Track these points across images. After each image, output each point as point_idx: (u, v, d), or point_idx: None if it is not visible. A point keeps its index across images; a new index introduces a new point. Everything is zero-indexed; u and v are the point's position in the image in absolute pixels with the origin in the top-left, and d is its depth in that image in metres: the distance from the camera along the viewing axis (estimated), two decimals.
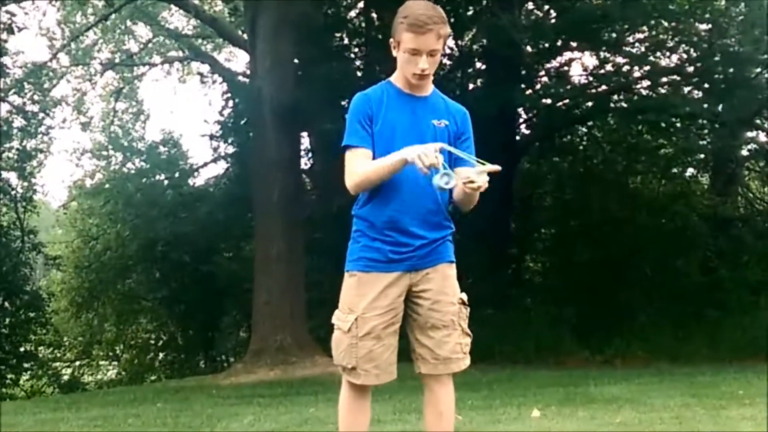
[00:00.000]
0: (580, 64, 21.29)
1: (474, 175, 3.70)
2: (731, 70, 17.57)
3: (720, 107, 19.13)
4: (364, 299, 3.89)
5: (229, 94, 23.93)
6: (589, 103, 20.65)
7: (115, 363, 28.45)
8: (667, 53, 19.38)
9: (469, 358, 4.05)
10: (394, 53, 3.92)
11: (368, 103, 3.91)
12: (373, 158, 3.86)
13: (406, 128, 3.86)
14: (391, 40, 3.91)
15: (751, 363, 13.98)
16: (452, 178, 3.70)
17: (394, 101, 3.92)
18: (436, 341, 3.92)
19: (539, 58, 20.11)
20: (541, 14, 20.24)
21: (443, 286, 3.94)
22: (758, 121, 20.62)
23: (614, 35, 18.69)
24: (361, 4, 20.06)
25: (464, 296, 4.03)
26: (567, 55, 20.63)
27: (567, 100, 20.58)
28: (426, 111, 3.92)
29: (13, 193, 23.68)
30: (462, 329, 3.99)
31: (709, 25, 17.82)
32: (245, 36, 19.50)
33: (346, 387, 4.01)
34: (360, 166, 3.84)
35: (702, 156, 22.86)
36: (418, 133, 3.85)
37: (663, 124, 19.99)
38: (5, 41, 21.40)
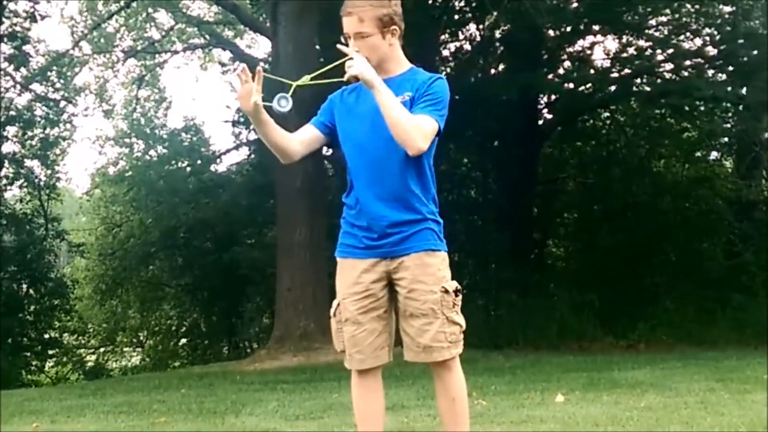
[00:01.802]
0: (602, 48, 21.20)
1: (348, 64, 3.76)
2: (755, 52, 17.41)
3: (744, 90, 18.99)
4: (343, 285, 3.98)
5: None
6: (612, 87, 20.56)
7: (139, 349, 28.66)
8: (691, 36, 19.25)
9: (460, 347, 3.96)
10: None
11: (339, 94, 4.11)
12: (346, 153, 4.00)
13: (362, 111, 3.91)
14: None
15: None
16: (288, 100, 3.86)
17: (359, 90, 3.97)
18: (416, 329, 3.90)
19: (561, 42, 20.06)
20: None
21: (419, 275, 3.88)
22: None
23: (637, 18, 18.58)
24: None
25: (452, 284, 3.94)
26: (589, 38, 20.56)
27: (589, 85, 20.51)
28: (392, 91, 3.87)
29: (36, 180, 23.80)
30: (446, 317, 3.90)
31: (733, 7, 17.67)
32: (267, 22, 19.47)
33: (353, 372, 4.06)
34: None
35: (726, 139, 22.72)
36: (373, 114, 3.82)
37: (686, 108, 19.88)
38: (28, 29, 21.53)
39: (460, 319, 3.96)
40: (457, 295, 3.95)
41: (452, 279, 3.97)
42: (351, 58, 3.76)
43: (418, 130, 3.73)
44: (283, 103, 3.80)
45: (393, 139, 3.75)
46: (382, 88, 3.73)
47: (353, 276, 3.93)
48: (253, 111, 3.82)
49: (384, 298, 3.95)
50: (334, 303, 4.01)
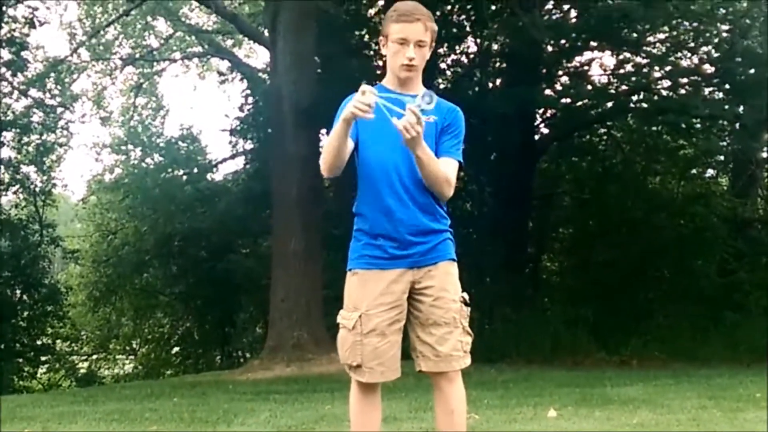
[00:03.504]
0: (599, 64, 21.23)
1: (404, 125, 3.66)
2: (752, 71, 17.43)
3: (740, 108, 19.03)
4: (368, 297, 3.93)
5: (248, 91, 23.95)
6: (609, 103, 20.56)
7: (132, 357, 28.62)
8: (688, 54, 19.26)
9: (470, 357, 4.04)
10: (383, 51, 4.01)
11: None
12: (361, 164, 3.97)
13: (392, 129, 3.82)
14: (380, 38, 4.01)
15: None
16: (433, 97, 3.73)
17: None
18: (438, 338, 3.93)
19: (559, 58, 20.05)
20: (561, 13, 20.16)
21: (445, 283, 3.95)
22: None
23: (635, 35, 18.60)
24: (381, 2, 20.03)
25: (465, 295, 4.04)
26: (587, 54, 20.57)
27: (586, 100, 20.52)
28: None
29: (32, 186, 23.80)
30: (463, 327, 4.00)
31: (731, 26, 17.71)
32: (266, 33, 19.51)
33: (354, 385, 4.05)
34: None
35: (722, 157, 22.75)
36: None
37: (683, 125, 19.91)
38: (27, 35, 21.55)
39: (469, 329, 4.04)
40: (467, 306, 4.04)
41: None
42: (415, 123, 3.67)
43: (448, 183, 3.90)
44: (427, 100, 3.72)
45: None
46: (423, 151, 3.77)
47: (380, 287, 3.91)
48: (352, 120, 3.74)
49: (405, 310, 3.97)
50: (352, 316, 3.96)
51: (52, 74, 23.74)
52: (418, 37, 3.88)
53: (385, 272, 3.92)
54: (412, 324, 4.00)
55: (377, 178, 3.92)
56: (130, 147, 28.14)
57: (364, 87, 3.66)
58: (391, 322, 3.91)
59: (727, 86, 18.53)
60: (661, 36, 19.39)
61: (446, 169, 3.89)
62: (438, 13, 20.05)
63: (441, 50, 20.68)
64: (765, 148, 21.69)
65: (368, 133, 3.92)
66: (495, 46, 20.93)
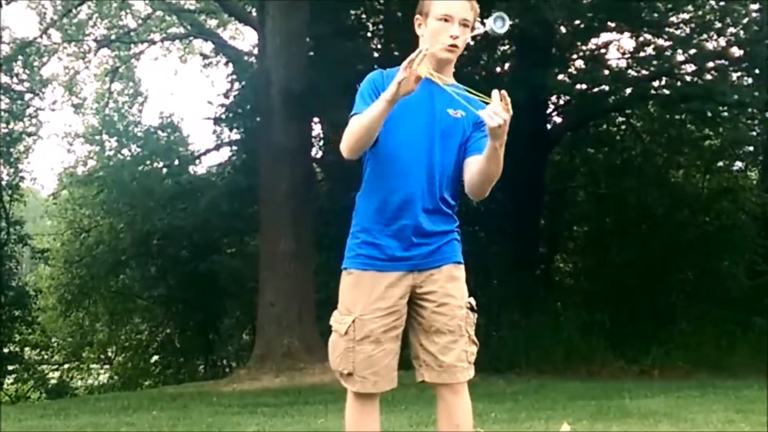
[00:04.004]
0: (617, 47, 21.23)
1: (488, 113, 3.57)
2: None
3: None
4: (362, 300, 3.90)
5: (234, 76, 23.95)
6: (628, 90, 20.56)
7: (107, 366, 28.61)
8: (714, 35, 19.26)
9: (474, 368, 4.03)
10: (419, 31, 3.94)
11: (383, 79, 3.89)
12: (379, 139, 3.81)
13: (420, 112, 3.85)
14: (417, 16, 3.93)
15: None
16: (505, 20, 3.67)
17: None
18: (441, 347, 3.92)
19: (573, 40, 20.06)
20: None
21: (449, 288, 3.93)
22: None
23: (656, 15, 18.61)
24: None
25: (472, 301, 4.02)
26: (604, 36, 20.58)
27: (603, 86, 20.52)
28: (444, 99, 3.90)
29: None
30: (468, 336, 3.99)
31: (761, 5, 17.73)
32: (253, 12, 19.50)
33: (350, 395, 4.03)
34: (354, 119, 3.81)
35: (751, 148, 22.72)
36: (431, 118, 3.87)
37: (708, 113, 19.89)
38: None
39: (475, 338, 4.04)
40: (474, 312, 4.03)
41: None
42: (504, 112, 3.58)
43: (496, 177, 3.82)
44: (499, 24, 3.67)
45: (451, 143, 3.84)
46: (503, 146, 3.68)
47: (376, 291, 3.89)
48: (398, 95, 3.60)
49: (405, 315, 3.95)
50: (345, 320, 3.94)
51: (20, 57, 23.69)
52: (464, 15, 3.84)
53: (383, 274, 3.89)
54: (414, 330, 3.98)
55: (394, 167, 3.87)
56: (105, 137, 28.12)
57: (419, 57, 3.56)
58: (386, 329, 3.89)
59: (757, 71, 18.52)
60: (685, 16, 19.40)
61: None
62: None
63: None
64: None
65: (399, 117, 3.81)
66: None
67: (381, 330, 3.88)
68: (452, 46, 3.85)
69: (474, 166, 3.80)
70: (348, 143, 3.80)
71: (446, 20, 3.83)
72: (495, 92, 3.59)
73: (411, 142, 3.86)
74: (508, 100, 3.55)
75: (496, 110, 3.54)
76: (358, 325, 3.89)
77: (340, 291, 4.02)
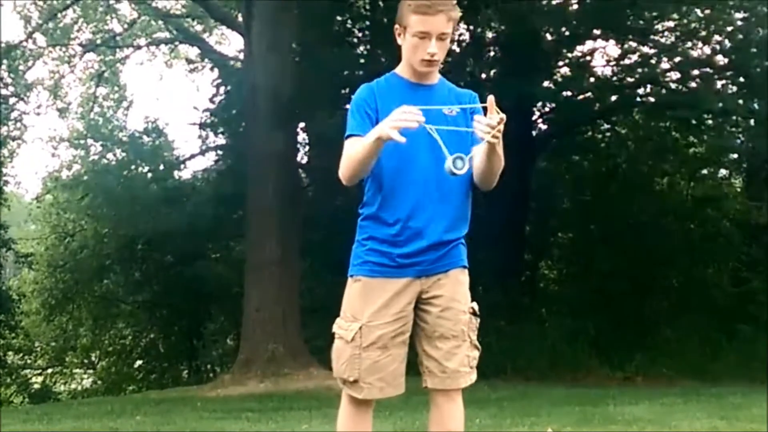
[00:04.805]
0: (603, 55, 21.31)
1: (482, 129, 3.64)
2: None
3: (755, 103, 19.11)
4: (370, 306, 3.88)
5: (219, 81, 23.93)
6: (613, 97, 20.66)
7: (91, 371, 28.51)
8: (699, 43, 19.35)
9: (476, 373, 4.04)
10: (399, 41, 3.94)
11: (373, 94, 3.92)
12: (384, 153, 3.80)
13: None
14: (396, 26, 3.93)
15: None
16: (465, 161, 3.66)
17: (401, 93, 3.91)
18: (444, 353, 3.91)
19: (559, 47, 20.11)
20: None
21: (455, 293, 3.93)
22: None
23: (641, 23, 18.68)
24: None
25: (475, 306, 4.02)
26: (589, 44, 20.65)
27: (588, 94, 20.58)
28: (435, 100, 3.91)
29: None
30: (471, 341, 3.98)
31: (745, 14, 17.80)
32: (239, 17, 19.49)
33: (346, 402, 4.00)
34: (348, 149, 3.81)
35: (735, 156, 22.81)
36: (428, 123, 3.85)
37: (693, 121, 19.99)
38: None
39: (477, 343, 4.03)
40: (477, 317, 4.03)
41: None
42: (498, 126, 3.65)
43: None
44: (459, 165, 3.65)
45: (454, 142, 3.80)
46: (501, 148, 3.76)
47: (384, 297, 3.87)
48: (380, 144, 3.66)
49: (411, 321, 3.93)
50: (351, 326, 3.91)
51: (5, 61, 23.64)
52: (441, 30, 3.84)
53: (391, 281, 3.88)
54: (418, 336, 3.97)
55: (400, 181, 3.86)
56: (90, 141, 28.08)
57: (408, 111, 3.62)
58: (394, 335, 3.87)
59: (742, 79, 18.61)
60: (670, 24, 19.48)
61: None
62: None
63: None
64: None
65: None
66: (489, 34, 20.98)
67: (389, 336, 3.87)
68: (430, 61, 3.87)
69: (477, 160, 3.81)
70: (345, 174, 3.82)
71: (423, 37, 3.84)
72: (491, 98, 3.64)
73: (418, 154, 3.85)
74: (501, 115, 3.61)
75: (491, 124, 3.60)
76: (365, 332, 3.87)
77: (346, 298, 3.99)
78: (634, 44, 19.68)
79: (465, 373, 3.96)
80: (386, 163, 3.85)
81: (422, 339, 3.95)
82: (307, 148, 21.21)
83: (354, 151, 3.77)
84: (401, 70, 4.00)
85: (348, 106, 4.01)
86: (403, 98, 3.83)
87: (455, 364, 3.92)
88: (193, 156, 26.16)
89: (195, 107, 35.47)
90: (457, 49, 21.26)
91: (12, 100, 24.33)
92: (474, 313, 4.01)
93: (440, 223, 3.88)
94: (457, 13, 3.89)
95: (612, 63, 21.00)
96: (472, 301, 4.04)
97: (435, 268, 3.90)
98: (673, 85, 19.97)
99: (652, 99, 20.39)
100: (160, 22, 27.84)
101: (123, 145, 26.55)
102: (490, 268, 19.20)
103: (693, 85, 19.26)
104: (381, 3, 19.54)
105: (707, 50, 19.36)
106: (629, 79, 20.29)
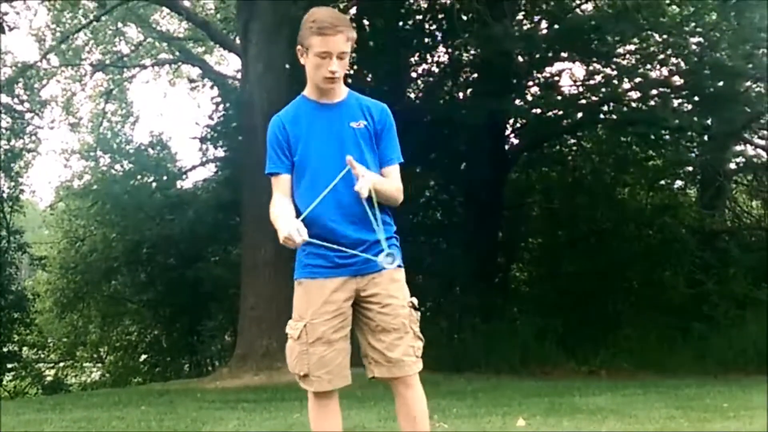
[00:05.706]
0: (570, 75, 21.34)
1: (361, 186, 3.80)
2: (721, 83, 17.61)
3: (709, 120, 19.17)
4: (311, 306, 3.96)
5: (219, 98, 23.89)
6: (579, 114, 20.68)
7: (100, 365, 28.41)
8: (658, 65, 19.39)
9: (422, 362, 4.05)
10: (302, 61, 3.99)
11: (282, 126, 4.03)
12: (299, 176, 3.99)
13: (324, 139, 3.94)
14: (299, 47, 3.97)
15: (735, 376, 14.06)
16: (395, 257, 3.85)
17: (308, 115, 4.01)
18: (387, 344, 3.95)
19: (530, 68, 20.12)
20: (532, 24, 20.26)
21: (391, 290, 3.97)
22: (747, 135, 20.70)
23: (605, 47, 18.71)
24: (353, 11, 20.06)
25: (414, 300, 4.05)
26: (557, 65, 20.68)
27: (556, 111, 20.60)
28: (342, 116, 3.99)
29: None
30: (414, 333, 4.01)
31: (700, 39, 17.85)
32: (237, 40, 19.46)
33: (311, 396, 4.06)
34: (273, 206, 4.00)
35: (690, 168, 22.88)
36: (337, 140, 3.94)
37: (652, 136, 20.01)
38: None
39: (420, 334, 4.04)
40: (417, 311, 4.05)
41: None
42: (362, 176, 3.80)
43: (399, 191, 4.00)
44: (389, 260, 3.85)
45: (361, 152, 3.92)
46: (380, 184, 3.89)
47: (323, 296, 3.94)
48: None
49: (350, 316, 3.99)
50: (297, 325, 4.00)
51: (21, 80, 23.56)
52: (340, 50, 3.88)
53: (328, 281, 3.95)
54: (362, 331, 4.03)
55: (314, 190, 3.92)
56: (100, 153, 27.96)
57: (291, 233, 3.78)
58: (335, 330, 3.94)
59: (696, 98, 18.68)
60: (631, 47, 19.54)
61: (395, 180, 4.00)
62: (410, 22, 20.14)
63: (412, 59, 20.73)
64: (733, 160, 21.86)
65: (301, 148, 3.98)
66: (466, 56, 20.99)
67: (330, 331, 3.93)
68: (332, 78, 3.91)
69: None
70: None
71: (325, 56, 3.86)
72: (348, 157, 3.82)
73: (322, 161, 3.93)
74: (361, 169, 3.81)
75: (363, 186, 3.79)
76: (309, 329, 3.95)
77: (294, 300, 4.10)
78: (598, 66, 19.71)
79: (411, 363, 3.99)
80: (303, 172, 4.00)
81: (366, 333, 4.01)
82: None
83: (273, 216, 3.97)
84: (308, 91, 4.08)
85: None
86: (311, 120, 3.99)
87: (398, 354, 3.95)
88: (194, 167, 26.17)
89: (196, 122, 35.59)
90: (437, 71, 21.31)
91: (28, 116, 24.23)
92: (414, 307, 4.03)
93: (348, 222, 3.94)
94: (353, 33, 3.94)
95: (578, 83, 21.03)
96: (412, 296, 4.06)
97: (368, 267, 3.95)
98: (633, 104, 20.01)
99: (614, 116, 20.41)
100: (165, 44, 27.83)
101: (130, 157, 26.44)
102: (466, 270, 19.21)
103: (652, 103, 19.31)
104: (366, 23, 19.60)
105: (665, 72, 19.43)
106: (594, 98, 20.31)
